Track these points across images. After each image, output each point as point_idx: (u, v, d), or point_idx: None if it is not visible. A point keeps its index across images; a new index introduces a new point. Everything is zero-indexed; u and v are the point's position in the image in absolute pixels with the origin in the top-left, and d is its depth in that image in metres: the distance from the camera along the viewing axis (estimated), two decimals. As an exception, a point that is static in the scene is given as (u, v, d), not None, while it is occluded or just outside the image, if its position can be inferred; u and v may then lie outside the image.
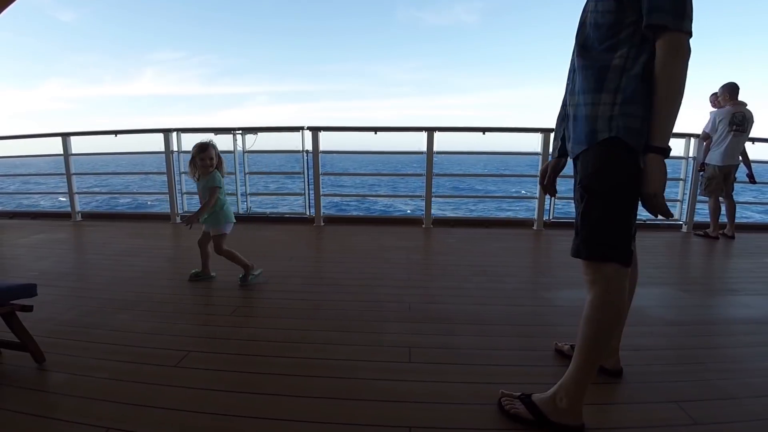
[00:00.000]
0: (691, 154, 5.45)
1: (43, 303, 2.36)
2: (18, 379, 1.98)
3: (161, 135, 5.77)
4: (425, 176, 5.43)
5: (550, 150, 1.98)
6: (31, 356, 2.06)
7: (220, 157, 3.31)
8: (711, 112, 5.04)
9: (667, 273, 3.90)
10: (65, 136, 5.94)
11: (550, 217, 5.59)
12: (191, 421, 1.67)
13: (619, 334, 1.95)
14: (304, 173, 5.75)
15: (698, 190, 5.28)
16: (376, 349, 2.28)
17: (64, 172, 6.03)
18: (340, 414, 1.72)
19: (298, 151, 5.67)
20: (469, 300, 2.99)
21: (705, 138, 5.10)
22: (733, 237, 5.04)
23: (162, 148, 5.78)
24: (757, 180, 5.20)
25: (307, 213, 5.86)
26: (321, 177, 5.54)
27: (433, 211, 5.56)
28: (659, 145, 1.41)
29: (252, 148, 5.81)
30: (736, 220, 5.18)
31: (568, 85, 1.70)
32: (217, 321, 2.61)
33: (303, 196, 5.89)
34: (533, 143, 5.40)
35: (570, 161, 1.74)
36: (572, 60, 1.65)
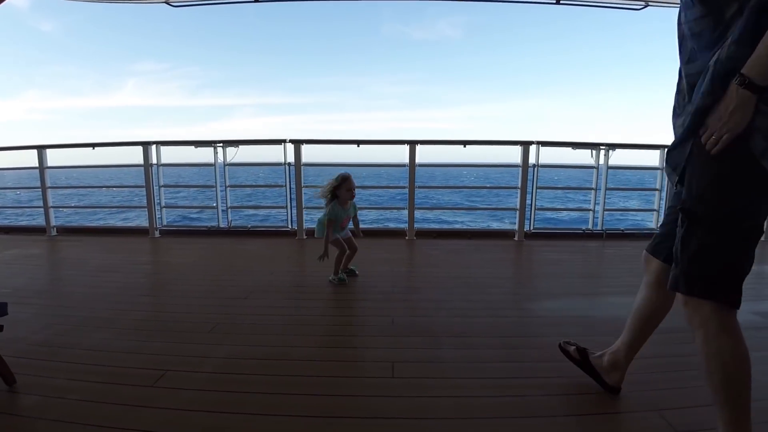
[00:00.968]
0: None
1: (15, 322, 2.28)
2: (-14, 402, 1.90)
3: (140, 148, 5.68)
4: (407, 188, 5.46)
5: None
6: (1, 378, 1.98)
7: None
8: None
9: (645, 282, 3.96)
10: (41, 148, 5.81)
11: (531, 228, 5.66)
12: (169, 443, 1.62)
13: (632, 351, 1.88)
14: (286, 186, 5.72)
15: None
16: (359, 365, 2.27)
17: (39, 185, 5.89)
18: (323, 432, 1.69)
19: (280, 164, 5.65)
20: (453, 312, 2.99)
21: None
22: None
23: (141, 161, 5.69)
24: None
25: (289, 226, 5.82)
26: (303, 190, 5.51)
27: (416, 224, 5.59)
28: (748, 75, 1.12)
29: (233, 161, 5.77)
30: None
31: (679, 105, 1.43)
32: (195, 339, 2.55)
33: (285, 209, 5.85)
34: (514, 155, 5.49)
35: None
36: (680, 80, 1.42)
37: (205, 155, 5.84)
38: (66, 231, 6.21)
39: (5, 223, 6.69)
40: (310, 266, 3.66)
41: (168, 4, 3.91)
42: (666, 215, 1.80)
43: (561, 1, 4.09)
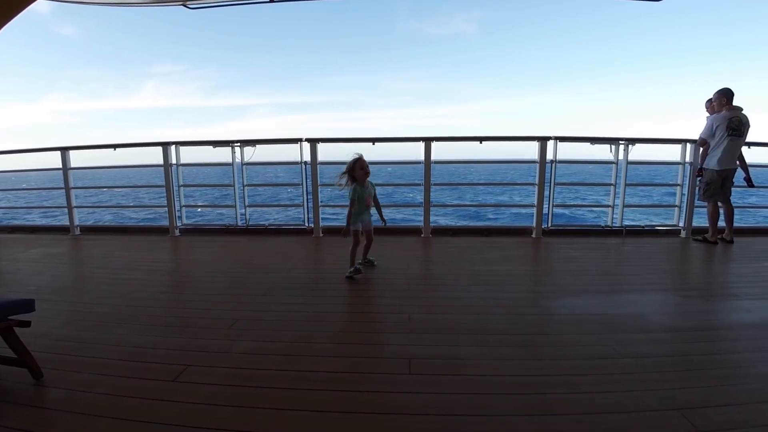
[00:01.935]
0: (687, 160, 5.47)
1: (42, 318, 2.35)
2: (16, 395, 1.96)
3: (160, 148, 5.78)
4: (423, 186, 5.45)
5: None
6: (29, 372, 2.05)
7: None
8: (707, 118, 5.07)
9: (666, 279, 3.90)
10: (64, 150, 5.96)
11: (549, 225, 5.59)
12: (190, 436, 1.66)
13: None
14: (302, 184, 5.76)
15: (696, 196, 5.29)
16: (376, 361, 2.27)
17: (63, 186, 6.04)
18: (341, 427, 1.71)
19: (296, 163, 5.69)
20: (470, 310, 2.98)
21: (702, 143, 5.13)
22: (731, 241, 5.05)
23: (161, 161, 5.79)
24: (755, 184, 5.21)
25: (306, 224, 5.86)
26: (320, 188, 5.54)
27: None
28: None
29: (251, 160, 5.83)
30: (735, 224, 5.18)
31: None
32: (216, 334, 2.60)
33: (302, 208, 5.89)
34: (531, 151, 5.44)
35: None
36: None
37: (223, 155, 5.92)
38: (89, 230, 6.37)
39: (30, 222, 6.88)
40: (328, 263, 3.68)
41: (185, 6, 3.95)
42: None
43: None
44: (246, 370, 2.16)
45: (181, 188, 5.94)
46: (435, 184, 5.57)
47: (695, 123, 5.13)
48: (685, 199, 5.51)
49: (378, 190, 3.96)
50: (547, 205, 5.49)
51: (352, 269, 3.69)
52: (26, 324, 2.04)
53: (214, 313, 2.97)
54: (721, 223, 5.16)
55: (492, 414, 1.78)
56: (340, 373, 2.14)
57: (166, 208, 5.89)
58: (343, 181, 3.78)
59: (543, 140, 5.32)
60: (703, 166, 5.10)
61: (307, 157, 5.58)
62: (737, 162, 5.01)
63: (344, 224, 3.76)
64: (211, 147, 5.93)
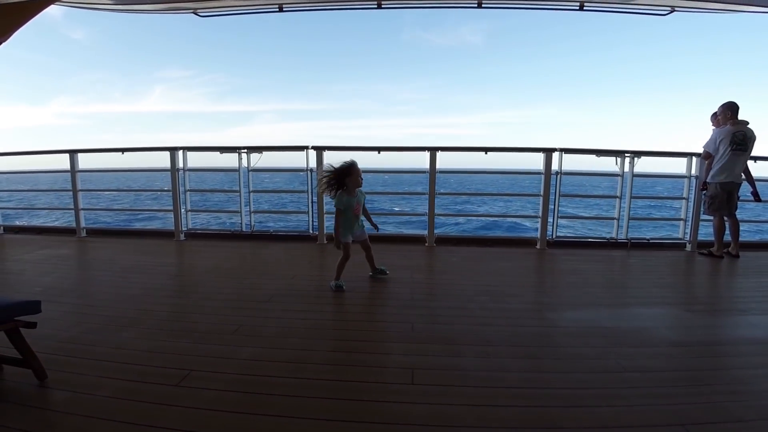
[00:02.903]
0: (693, 173, 5.46)
1: (47, 319, 2.36)
2: (20, 396, 1.97)
3: (167, 153, 5.83)
4: (428, 195, 5.46)
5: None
6: (34, 373, 2.06)
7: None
8: (712, 131, 5.06)
9: (671, 293, 3.88)
10: (73, 152, 6.02)
11: (553, 236, 5.58)
12: (192, 441, 1.66)
13: None
14: (308, 192, 5.78)
15: (702, 209, 5.27)
16: (379, 371, 2.27)
17: (71, 188, 6.09)
18: (343, 435, 1.71)
19: (302, 170, 5.71)
20: (474, 320, 2.97)
21: (706, 157, 5.11)
22: (737, 256, 5.02)
23: (168, 166, 5.83)
24: (762, 198, 5.18)
25: (311, 231, 5.88)
26: (324, 195, 5.56)
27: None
28: None
29: (257, 166, 5.86)
30: (741, 238, 5.15)
31: None
32: (219, 340, 2.60)
33: (307, 214, 5.91)
34: (536, 161, 5.44)
35: None
36: None
37: (229, 160, 5.96)
38: (95, 232, 6.41)
39: (37, 223, 6.93)
40: (331, 271, 3.69)
41: (195, 13, 4.01)
42: None
43: (585, 7, 4.04)
44: (249, 377, 2.16)
45: (188, 193, 5.97)
46: (440, 194, 5.58)
47: (702, 135, 5.12)
48: (690, 212, 5.49)
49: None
50: (551, 217, 5.48)
51: (334, 283, 3.62)
52: (32, 325, 2.05)
53: (217, 318, 2.98)
54: (727, 238, 5.13)
55: (494, 426, 1.77)
56: (343, 381, 2.14)
57: (172, 212, 5.93)
58: (329, 188, 3.65)
59: (548, 152, 5.33)
60: (708, 180, 5.09)
61: (312, 165, 5.61)
62: (742, 176, 4.99)
63: (340, 235, 3.67)
64: (218, 153, 5.97)
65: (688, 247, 5.49)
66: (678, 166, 5.65)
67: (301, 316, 3.05)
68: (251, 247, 5.48)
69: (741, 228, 5.11)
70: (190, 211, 6.10)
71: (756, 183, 5.11)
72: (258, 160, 5.86)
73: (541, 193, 5.38)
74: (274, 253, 5.18)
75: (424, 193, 5.52)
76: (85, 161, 6.15)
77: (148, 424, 1.75)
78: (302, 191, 5.87)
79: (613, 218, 5.74)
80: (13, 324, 2.01)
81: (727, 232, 5.09)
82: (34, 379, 2.06)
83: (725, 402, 1.95)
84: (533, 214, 5.72)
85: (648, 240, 5.77)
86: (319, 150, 5.51)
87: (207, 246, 5.59)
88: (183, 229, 5.96)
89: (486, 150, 5.52)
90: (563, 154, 5.37)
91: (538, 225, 5.49)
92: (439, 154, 5.42)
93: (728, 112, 4.90)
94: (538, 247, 5.48)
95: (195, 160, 6.02)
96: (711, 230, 5.23)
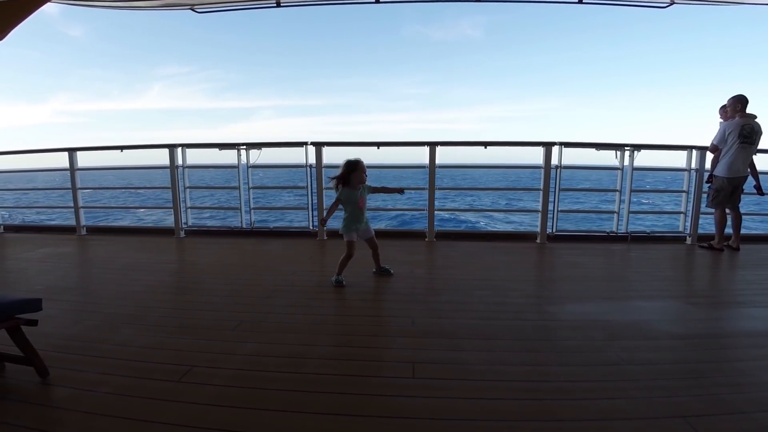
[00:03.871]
0: (693, 166, 5.45)
1: (48, 317, 2.37)
2: (22, 393, 1.98)
3: (166, 150, 5.82)
4: (428, 190, 5.45)
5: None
6: (35, 371, 2.06)
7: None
8: (720, 124, 5.03)
9: (672, 286, 3.88)
10: (72, 151, 6.01)
11: (553, 231, 5.58)
12: (194, 437, 1.66)
13: None
14: (307, 188, 5.78)
15: (706, 202, 5.26)
16: (379, 365, 2.28)
17: (70, 186, 6.09)
18: (344, 430, 1.71)
19: (302, 166, 5.71)
20: (474, 314, 2.97)
21: (713, 150, 5.09)
22: (737, 249, 5.02)
23: (167, 163, 5.83)
24: (765, 192, 5.15)
25: (311, 227, 5.87)
26: (324, 191, 5.56)
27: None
28: None
29: (256, 163, 5.86)
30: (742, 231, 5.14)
31: None
32: (220, 336, 2.61)
33: (306, 211, 5.91)
34: (536, 156, 5.43)
35: None
36: None
37: (228, 157, 5.95)
38: (95, 230, 6.41)
39: (37, 222, 6.93)
40: (332, 266, 3.69)
41: (193, 10, 3.98)
42: None
43: (584, 0, 4.01)
44: (250, 372, 2.16)
45: (187, 190, 5.97)
46: (439, 189, 5.58)
47: (707, 130, 5.09)
48: (690, 205, 5.48)
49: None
50: (551, 211, 5.48)
51: (335, 279, 3.64)
52: (33, 323, 2.06)
53: (218, 314, 2.98)
54: (728, 230, 5.12)
55: (494, 419, 1.77)
56: (343, 375, 2.15)
57: (172, 210, 5.93)
58: (332, 184, 3.77)
59: (548, 146, 5.32)
60: (714, 174, 5.07)
61: (312, 161, 5.60)
62: (748, 170, 4.97)
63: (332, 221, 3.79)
64: (217, 149, 5.96)
65: (689, 240, 5.49)
66: (678, 159, 5.65)
67: (302, 311, 3.05)
68: (251, 244, 5.48)
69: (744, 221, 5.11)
70: (190, 208, 6.09)
71: (759, 176, 5.09)
72: (258, 157, 5.85)
73: (541, 187, 5.38)
74: (274, 250, 5.19)
75: (423, 188, 5.51)
76: (84, 159, 6.15)
77: (150, 421, 1.75)
78: (302, 188, 5.86)
79: (613, 212, 5.74)
80: (14, 322, 2.01)
81: (729, 224, 5.09)
82: (36, 376, 2.06)
83: (726, 394, 1.96)
84: (533, 209, 5.71)
85: (648, 233, 5.77)
86: (319, 146, 5.50)
87: (207, 243, 5.59)
88: (183, 226, 5.96)
89: (486, 144, 5.52)
90: (563, 148, 5.36)
91: (538, 219, 5.49)
92: (438, 148, 5.41)
93: (738, 104, 4.87)
94: (538, 241, 5.48)
95: (194, 157, 6.02)
96: (711, 224, 5.23)
